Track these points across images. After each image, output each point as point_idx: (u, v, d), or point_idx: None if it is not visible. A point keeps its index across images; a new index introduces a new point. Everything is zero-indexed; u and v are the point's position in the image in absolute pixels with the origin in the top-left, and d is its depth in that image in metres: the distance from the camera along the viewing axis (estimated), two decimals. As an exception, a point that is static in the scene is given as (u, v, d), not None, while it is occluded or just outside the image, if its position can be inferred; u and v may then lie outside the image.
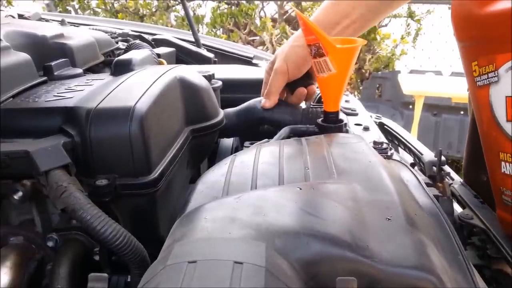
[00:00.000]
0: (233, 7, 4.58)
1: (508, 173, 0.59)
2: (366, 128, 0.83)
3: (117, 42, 1.22)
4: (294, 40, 0.83)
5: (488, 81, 0.57)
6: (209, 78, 0.85)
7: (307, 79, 0.84)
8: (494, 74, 0.55)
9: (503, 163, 0.59)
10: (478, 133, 0.66)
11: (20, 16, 1.45)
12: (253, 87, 0.93)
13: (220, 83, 0.89)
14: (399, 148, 0.97)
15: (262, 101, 0.83)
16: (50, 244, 0.55)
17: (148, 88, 0.63)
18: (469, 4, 0.57)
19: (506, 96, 0.55)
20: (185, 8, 1.80)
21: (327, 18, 0.82)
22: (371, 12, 0.83)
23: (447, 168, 0.77)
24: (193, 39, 1.65)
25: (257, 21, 4.68)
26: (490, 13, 0.54)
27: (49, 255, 0.55)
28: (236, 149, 1.00)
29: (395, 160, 0.65)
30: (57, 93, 0.66)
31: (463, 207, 0.76)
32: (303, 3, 4.34)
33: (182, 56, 1.48)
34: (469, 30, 0.59)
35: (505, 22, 0.52)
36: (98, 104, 0.58)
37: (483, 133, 0.62)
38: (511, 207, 0.61)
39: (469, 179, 0.81)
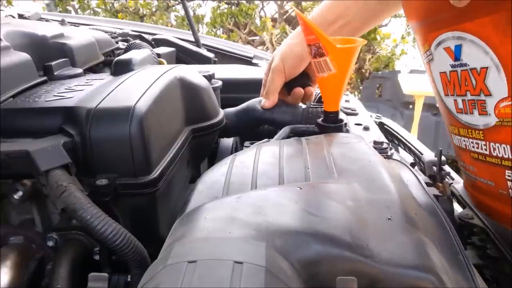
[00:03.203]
0: (233, 7, 4.58)
1: (457, 144, 0.62)
2: (366, 128, 0.83)
3: (117, 42, 1.23)
4: (291, 38, 0.83)
5: (427, 59, 0.60)
6: (209, 78, 0.85)
7: (304, 79, 0.84)
8: (429, 52, 0.58)
9: (452, 135, 0.62)
10: None
11: (20, 16, 1.45)
12: (253, 87, 0.93)
13: (220, 83, 0.89)
14: (399, 148, 0.97)
15: (262, 102, 0.83)
16: (50, 243, 0.55)
17: (148, 88, 0.63)
18: None
19: (439, 72, 0.58)
20: (185, 8, 1.80)
21: (322, 17, 0.81)
22: (366, 13, 0.82)
23: (447, 168, 0.77)
24: (193, 39, 1.65)
25: (257, 21, 4.68)
26: None
27: (49, 255, 0.55)
28: (236, 149, 1.00)
29: (395, 159, 0.65)
30: (57, 93, 0.66)
31: (463, 207, 0.76)
32: (303, 3, 4.34)
33: (182, 56, 1.48)
34: (410, 13, 0.62)
35: (429, 3, 0.56)
36: (98, 104, 0.58)
37: (440, 109, 0.65)
38: (467, 177, 0.63)
39: None
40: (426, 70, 0.63)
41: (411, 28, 0.65)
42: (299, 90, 0.84)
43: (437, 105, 0.64)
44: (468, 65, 0.53)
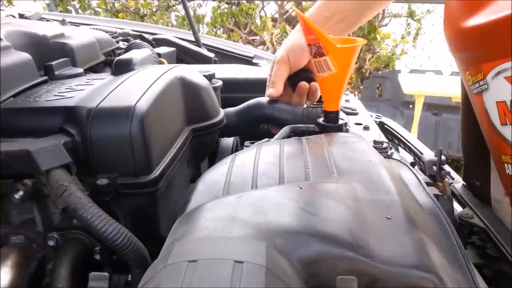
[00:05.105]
0: (233, 7, 4.58)
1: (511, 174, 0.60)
2: (366, 128, 0.83)
3: (117, 42, 1.23)
4: (295, 30, 0.86)
5: (480, 88, 0.59)
6: (210, 77, 0.85)
7: (308, 73, 0.84)
8: (484, 82, 0.58)
9: (506, 165, 0.61)
10: (469, 140, 0.66)
11: (21, 16, 1.45)
12: (254, 86, 0.93)
13: (220, 82, 0.89)
14: (399, 148, 0.97)
15: (268, 92, 0.83)
16: (51, 243, 0.55)
17: (149, 88, 0.63)
18: (456, 19, 0.60)
19: (497, 101, 0.58)
20: (185, 7, 1.80)
21: (319, 13, 0.85)
22: (360, 6, 0.86)
23: (447, 168, 0.77)
24: (193, 39, 1.65)
25: (258, 21, 4.68)
26: (472, 27, 0.57)
27: (50, 254, 0.55)
28: (236, 148, 1.00)
29: (395, 159, 0.65)
30: (58, 93, 0.66)
31: (463, 206, 0.76)
32: (304, 3, 4.34)
33: (183, 55, 1.48)
34: (457, 43, 0.62)
35: (485, 34, 0.56)
36: (99, 104, 0.58)
37: (486, 138, 0.64)
38: None
39: (466, 183, 0.81)
40: (473, 99, 0.62)
41: (455, 59, 0.64)
42: (304, 84, 0.84)
43: (485, 135, 0.63)
44: None
